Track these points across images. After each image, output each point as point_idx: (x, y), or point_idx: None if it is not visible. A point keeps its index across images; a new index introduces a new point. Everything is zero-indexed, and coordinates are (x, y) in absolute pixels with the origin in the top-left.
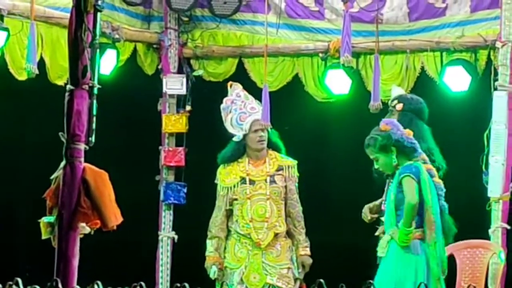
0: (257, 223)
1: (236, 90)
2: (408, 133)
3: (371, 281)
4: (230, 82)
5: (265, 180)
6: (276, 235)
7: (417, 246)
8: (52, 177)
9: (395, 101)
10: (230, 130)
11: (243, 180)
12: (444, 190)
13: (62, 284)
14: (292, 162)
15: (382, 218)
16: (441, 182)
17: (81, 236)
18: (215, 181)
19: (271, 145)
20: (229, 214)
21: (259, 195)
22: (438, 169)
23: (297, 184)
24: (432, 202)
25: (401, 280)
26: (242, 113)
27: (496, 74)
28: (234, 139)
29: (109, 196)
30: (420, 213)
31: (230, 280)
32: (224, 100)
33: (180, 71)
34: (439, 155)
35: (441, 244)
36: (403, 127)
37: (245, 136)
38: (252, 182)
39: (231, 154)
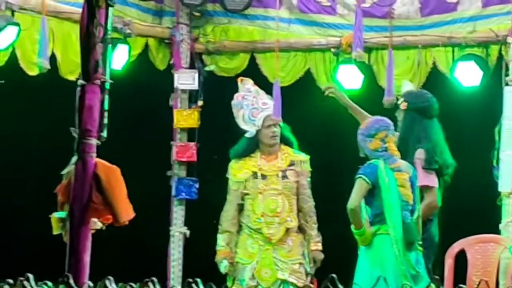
0: (268, 218)
1: (246, 85)
2: (374, 145)
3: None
4: (240, 78)
5: (277, 175)
6: (287, 230)
7: (383, 242)
8: (63, 172)
9: (401, 99)
10: (243, 126)
11: (255, 175)
12: (408, 202)
13: (74, 279)
14: (305, 157)
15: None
16: (406, 193)
17: (93, 231)
18: (227, 175)
19: (284, 140)
20: (240, 208)
21: (271, 190)
22: (441, 168)
23: (309, 179)
24: (391, 200)
25: (372, 275)
26: (254, 109)
27: (507, 69)
28: (247, 135)
29: (121, 191)
30: (382, 210)
31: (241, 275)
32: (235, 96)
33: (192, 66)
34: (446, 152)
35: (403, 244)
36: (405, 127)
37: (257, 132)
38: (264, 177)
39: (244, 149)
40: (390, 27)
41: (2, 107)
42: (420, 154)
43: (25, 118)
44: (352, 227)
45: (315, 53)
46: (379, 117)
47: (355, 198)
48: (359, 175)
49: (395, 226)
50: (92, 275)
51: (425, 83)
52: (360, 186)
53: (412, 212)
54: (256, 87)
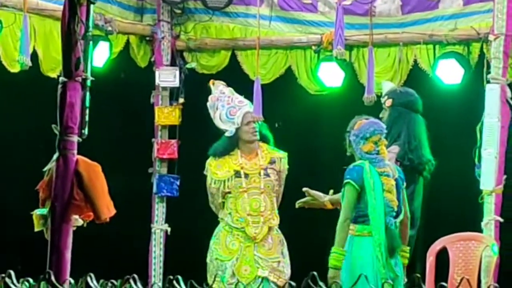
0: (252, 218)
1: (219, 87)
2: (367, 148)
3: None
4: (212, 81)
5: (259, 174)
6: (269, 228)
7: (365, 243)
8: (45, 169)
9: (385, 97)
10: (221, 126)
11: (237, 174)
12: (393, 208)
13: (55, 276)
14: (283, 154)
15: None
16: (393, 199)
17: (74, 228)
18: (204, 172)
19: (261, 137)
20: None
21: (253, 188)
22: (417, 165)
23: (284, 176)
24: (375, 204)
25: (351, 275)
26: (231, 107)
27: (488, 67)
28: (227, 134)
29: (102, 188)
30: (366, 212)
31: (222, 272)
32: (210, 98)
33: (173, 63)
34: (425, 149)
35: (385, 247)
36: (391, 121)
37: (237, 129)
38: (246, 175)
39: (224, 148)
40: (370, 24)
41: None
42: (394, 149)
43: (7, 115)
44: (335, 249)
45: (296, 50)
46: (373, 120)
47: (348, 210)
48: (347, 180)
49: (378, 230)
50: (73, 272)
51: (406, 81)
52: (350, 194)
53: (396, 216)
54: (230, 88)
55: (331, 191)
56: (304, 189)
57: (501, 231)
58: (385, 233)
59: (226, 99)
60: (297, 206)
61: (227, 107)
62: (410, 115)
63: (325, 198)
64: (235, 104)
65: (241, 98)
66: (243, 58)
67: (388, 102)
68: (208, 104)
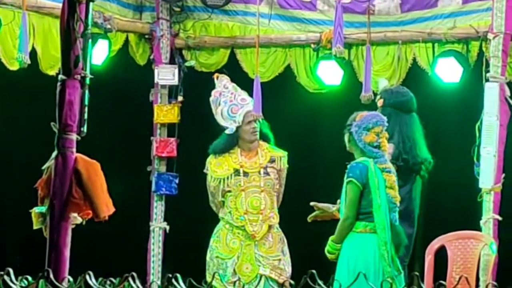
0: (251, 216)
1: (223, 81)
2: (370, 139)
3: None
4: (216, 74)
5: (259, 172)
6: (269, 227)
7: (369, 240)
8: (44, 167)
9: (378, 97)
10: (222, 122)
11: (237, 172)
12: (396, 204)
13: (54, 274)
14: (283, 153)
15: None
16: (395, 195)
17: (73, 226)
18: (205, 171)
19: (261, 136)
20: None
21: (253, 187)
22: (413, 164)
23: (284, 175)
24: (380, 202)
25: (354, 272)
26: (233, 105)
27: (487, 65)
28: (227, 131)
29: (101, 186)
30: (370, 210)
31: (222, 270)
32: (212, 92)
33: (172, 61)
34: (421, 148)
35: (391, 245)
36: None
37: (238, 128)
38: (246, 174)
39: (224, 146)
40: (368, 23)
41: None
42: (389, 148)
43: (6, 113)
44: (331, 239)
45: (295, 48)
46: (375, 112)
47: (351, 208)
48: (350, 178)
49: (383, 228)
50: (72, 270)
51: (405, 79)
52: (352, 193)
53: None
54: (233, 84)
55: (338, 201)
56: (312, 203)
57: (499, 230)
58: (390, 230)
59: (229, 96)
60: (309, 220)
61: (230, 104)
62: (401, 117)
63: (333, 209)
64: (237, 102)
65: (244, 95)
66: (242, 56)
67: (380, 102)
68: (211, 99)
